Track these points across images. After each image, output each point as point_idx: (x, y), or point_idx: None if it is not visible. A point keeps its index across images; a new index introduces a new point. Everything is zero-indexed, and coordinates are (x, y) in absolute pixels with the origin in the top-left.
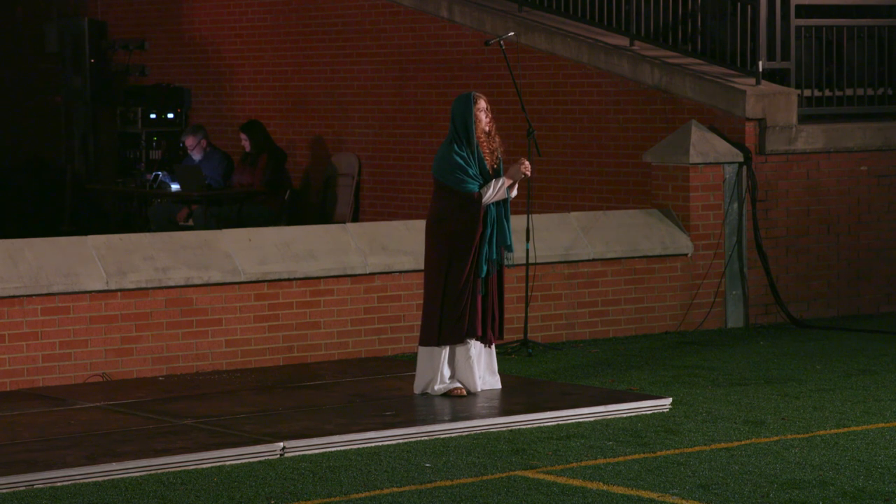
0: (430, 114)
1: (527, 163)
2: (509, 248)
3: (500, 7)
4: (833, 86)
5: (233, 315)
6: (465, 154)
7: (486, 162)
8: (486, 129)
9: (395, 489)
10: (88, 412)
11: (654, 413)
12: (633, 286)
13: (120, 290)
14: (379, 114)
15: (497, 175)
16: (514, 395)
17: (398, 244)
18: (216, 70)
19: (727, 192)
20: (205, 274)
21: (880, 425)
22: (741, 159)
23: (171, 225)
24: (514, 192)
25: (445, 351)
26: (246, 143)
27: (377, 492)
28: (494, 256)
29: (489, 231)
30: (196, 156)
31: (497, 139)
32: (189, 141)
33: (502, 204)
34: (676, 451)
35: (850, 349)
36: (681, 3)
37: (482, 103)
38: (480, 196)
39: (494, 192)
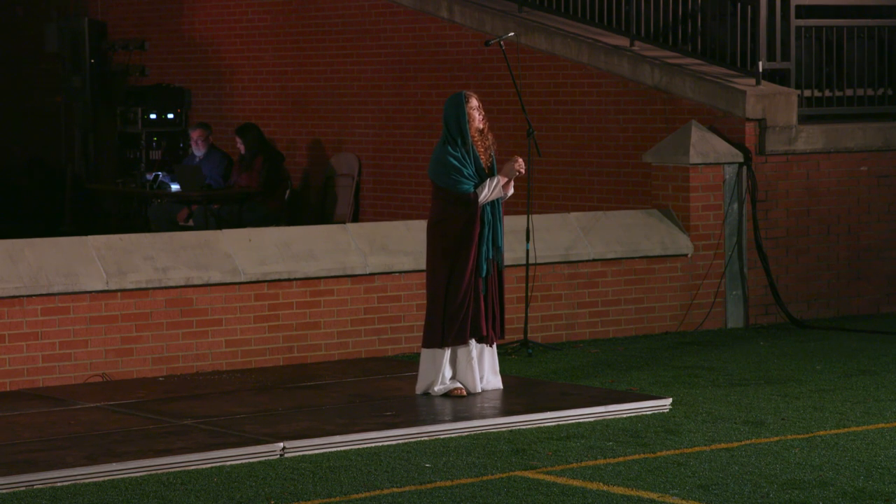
0: (430, 114)
1: (521, 160)
2: (499, 250)
3: (500, 7)
4: (833, 86)
5: (233, 315)
6: (459, 154)
7: (480, 160)
8: (480, 126)
9: (395, 489)
10: (88, 412)
11: (654, 413)
12: (633, 286)
13: (120, 291)
14: (379, 114)
15: (492, 173)
16: (515, 395)
17: (398, 244)
18: (216, 70)
19: (727, 193)
20: (205, 274)
21: (880, 425)
22: (741, 160)
23: (171, 225)
24: (511, 191)
25: (448, 352)
26: (241, 146)
27: (377, 492)
28: (491, 255)
29: (486, 230)
30: (199, 150)
31: (490, 137)
32: (195, 133)
33: (496, 204)
34: (676, 452)
35: (850, 349)
36: (681, 3)
37: (474, 101)
38: (477, 196)
39: (490, 191)
